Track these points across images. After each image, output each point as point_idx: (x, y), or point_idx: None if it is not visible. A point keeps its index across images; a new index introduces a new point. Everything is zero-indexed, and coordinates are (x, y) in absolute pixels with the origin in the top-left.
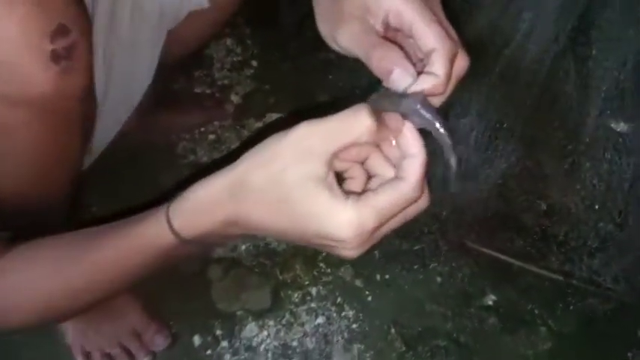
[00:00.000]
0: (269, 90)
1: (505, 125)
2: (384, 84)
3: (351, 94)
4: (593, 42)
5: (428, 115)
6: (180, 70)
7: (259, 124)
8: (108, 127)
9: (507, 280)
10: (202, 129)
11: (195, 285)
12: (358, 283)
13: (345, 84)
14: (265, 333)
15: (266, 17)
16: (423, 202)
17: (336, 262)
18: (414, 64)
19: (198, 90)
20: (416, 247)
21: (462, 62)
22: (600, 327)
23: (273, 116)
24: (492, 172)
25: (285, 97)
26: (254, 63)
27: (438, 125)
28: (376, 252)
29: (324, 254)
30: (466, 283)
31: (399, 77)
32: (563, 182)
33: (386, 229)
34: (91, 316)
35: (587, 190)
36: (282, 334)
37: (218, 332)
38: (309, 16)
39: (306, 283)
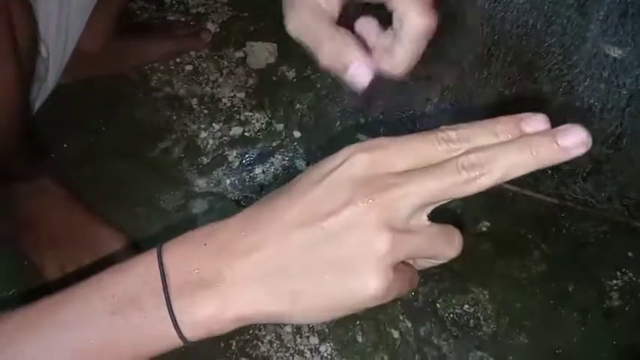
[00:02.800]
0: (248, 17)
1: (502, 48)
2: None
3: None
4: None
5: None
6: None
7: (239, 54)
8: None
9: (501, 206)
10: (178, 60)
11: (181, 219)
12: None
13: None
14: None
15: None
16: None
17: None
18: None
19: (171, 18)
20: None
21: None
22: (592, 249)
23: (253, 45)
24: (489, 94)
25: (265, 25)
26: None
27: None
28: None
29: None
30: (460, 210)
31: (356, 74)
32: (558, 104)
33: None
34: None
35: (581, 111)
36: None
37: None
38: None
39: None
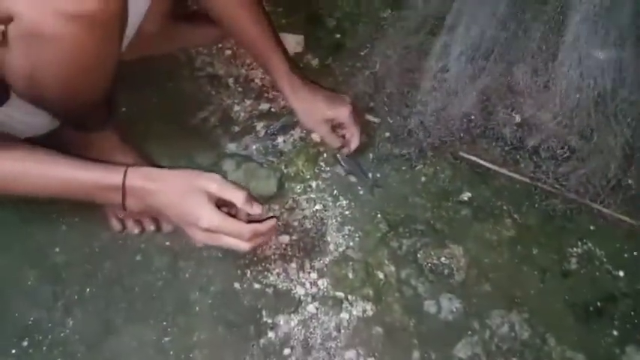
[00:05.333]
0: (281, 12)
1: (485, 44)
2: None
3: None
4: None
5: (350, 165)
6: None
7: None
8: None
9: (483, 181)
10: (219, 45)
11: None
12: (352, 179)
13: (353, 9)
14: (270, 214)
15: None
16: (245, 245)
17: (333, 161)
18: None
19: None
20: (405, 152)
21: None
22: (559, 222)
23: (284, 35)
24: (474, 87)
25: (295, 20)
26: None
27: (353, 168)
28: (370, 154)
29: (325, 155)
30: (447, 183)
31: (343, 150)
32: (538, 98)
33: (222, 238)
34: None
35: (557, 106)
36: (285, 215)
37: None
38: None
39: (308, 177)
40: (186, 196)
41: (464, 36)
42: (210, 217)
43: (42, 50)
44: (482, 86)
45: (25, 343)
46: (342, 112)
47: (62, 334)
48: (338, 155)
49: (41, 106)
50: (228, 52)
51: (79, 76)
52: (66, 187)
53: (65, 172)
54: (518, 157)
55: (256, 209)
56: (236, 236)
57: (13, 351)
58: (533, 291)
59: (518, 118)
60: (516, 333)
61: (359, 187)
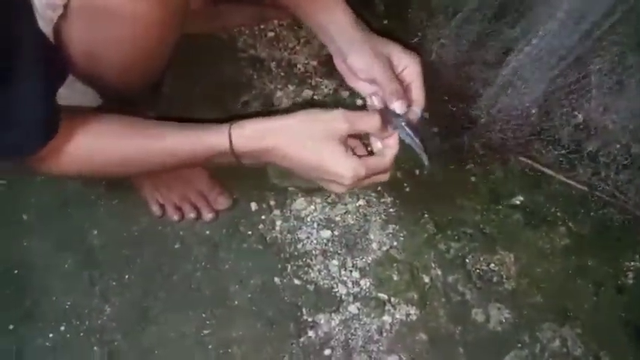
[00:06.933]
0: None
1: (558, 39)
2: (388, 104)
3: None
4: None
5: (410, 133)
6: None
7: None
8: None
9: (536, 185)
10: (262, 26)
11: None
12: (399, 174)
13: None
14: (312, 207)
15: None
16: (386, 176)
17: None
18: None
19: None
20: (455, 149)
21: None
22: (615, 233)
23: None
24: (540, 85)
25: None
26: None
27: (416, 140)
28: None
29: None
30: (497, 185)
31: (400, 106)
32: (602, 100)
33: (365, 182)
34: (163, 175)
35: (624, 110)
36: (327, 209)
37: (272, 202)
38: None
39: None
40: (313, 150)
41: (532, 31)
42: (355, 171)
43: (104, 25)
44: (549, 84)
45: (63, 328)
46: (416, 63)
47: (99, 321)
48: (400, 120)
49: (96, 84)
50: (271, 34)
51: (140, 55)
52: (175, 160)
53: (173, 144)
54: (575, 161)
55: (391, 132)
56: (379, 173)
57: (51, 335)
58: (586, 305)
59: (580, 118)
60: (568, 349)
61: (405, 184)
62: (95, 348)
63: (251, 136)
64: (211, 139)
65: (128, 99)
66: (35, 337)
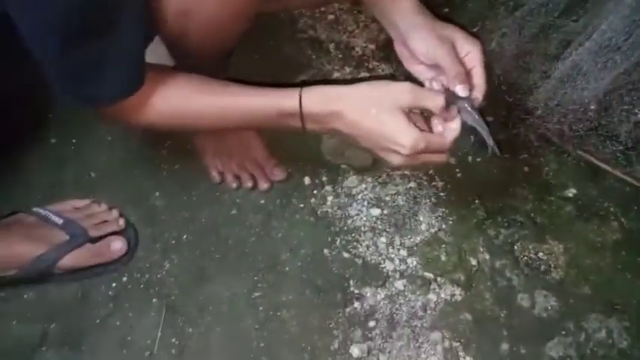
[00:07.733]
0: None
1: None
2: (451, 87)
3: None
4: None
5: (475, 116)
6: None
7: None
8: None
9: (590, 179)
10: (323, 9)
11: (309, 137)
12: (451, 160)
13: None
14: (363, 186)
15: None
16: (444, 157)
17: None
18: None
19: None
20: (510, 139)
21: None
22: None
23: None
24: (602, 79)
25: None
26: None
27: (481, 123)
28: (471, 137)
29: None
30: (551, 176)
31: (464, 89)
32: None
33: (422, 157)
34: (224, 144)
35: None
36: (377, 189)
37: (324, 178)
38: None
39: None
40: (377, 117)
41: (595, 26)
42: (415, 141)
43: None
44: (612, 79)
45: (125, 279)
46: (479, 49)
47: (159, 276)
48: (464, 103)
49: (179, 45)
50: (331, 16)
51: (228, 16)
52: (246, 118)
53: (246, 102)
54: (632, 157)
55: (453, 114)
56: (438, 152)
57: (114, 285)
58: (635, 300)
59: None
60: (614, 340)
61: (457, 169)
62: (154, 300)
63: (320, 100)
64: (283, 100)
65: (202, 66)
66: (99, 285)
